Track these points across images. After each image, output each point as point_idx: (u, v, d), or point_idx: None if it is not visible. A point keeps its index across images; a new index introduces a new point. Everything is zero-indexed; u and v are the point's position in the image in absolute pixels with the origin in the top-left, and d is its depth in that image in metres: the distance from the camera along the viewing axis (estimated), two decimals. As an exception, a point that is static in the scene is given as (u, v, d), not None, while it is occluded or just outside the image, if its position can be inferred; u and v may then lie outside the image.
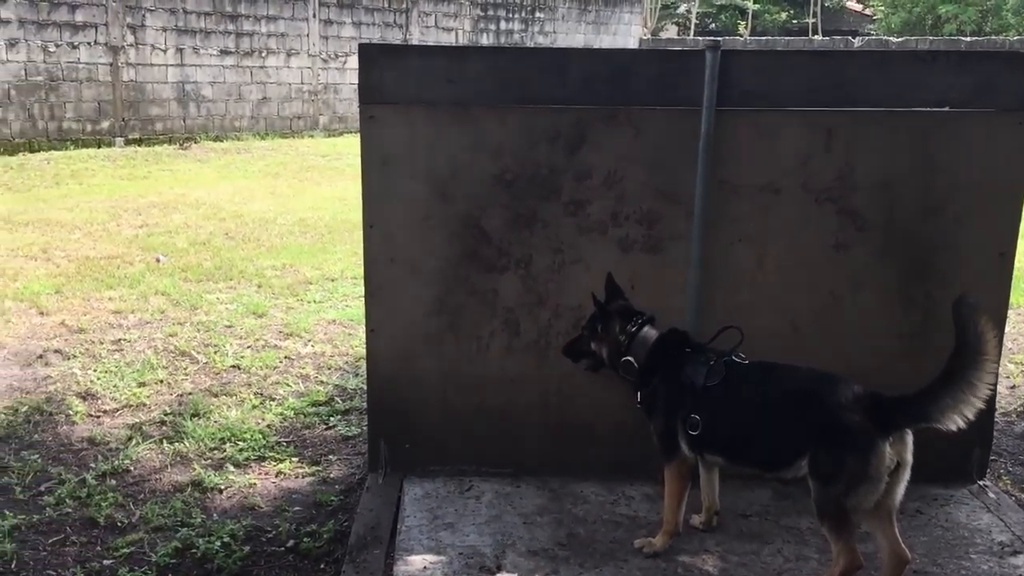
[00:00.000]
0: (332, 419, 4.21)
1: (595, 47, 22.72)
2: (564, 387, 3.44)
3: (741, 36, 30.14)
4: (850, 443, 2.58)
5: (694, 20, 34.21)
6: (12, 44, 12.76)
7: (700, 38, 28.08)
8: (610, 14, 23.86)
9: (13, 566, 2.98)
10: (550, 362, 3.39)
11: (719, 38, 26.25)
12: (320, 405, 4.35)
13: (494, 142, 3.34)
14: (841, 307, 3.40)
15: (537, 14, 21.82)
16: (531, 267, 3.39)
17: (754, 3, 33.58)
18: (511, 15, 21.25)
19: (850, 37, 23.31)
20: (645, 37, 26.13)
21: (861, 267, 3.37)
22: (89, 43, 13.67)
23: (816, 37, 26.84)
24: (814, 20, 31.30)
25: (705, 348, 2.96)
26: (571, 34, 22.65)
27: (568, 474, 3.46)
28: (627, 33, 24.24)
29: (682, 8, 35.59)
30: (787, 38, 27.25)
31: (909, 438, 2.61)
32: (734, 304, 3.34)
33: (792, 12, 35.88)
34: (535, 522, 3.15)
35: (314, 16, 16.92)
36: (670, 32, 36.37)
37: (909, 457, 2.61)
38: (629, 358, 3.01)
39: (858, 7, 36.55)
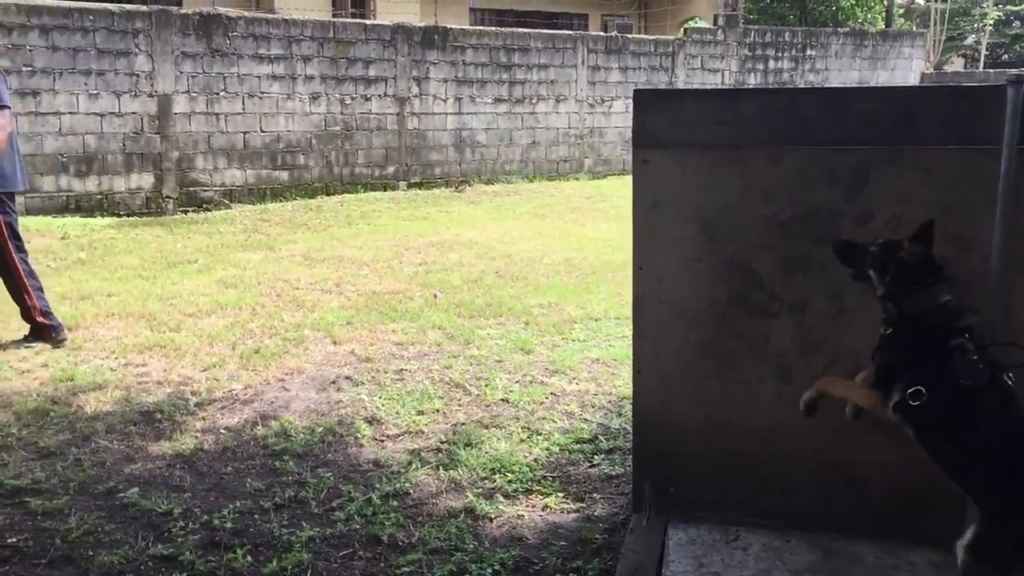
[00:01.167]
0: (596, 457, 4.27)
1: (871, 84, 21.65)
2: (839, 439, 3.27)
3: (1040, 65, 27.49)
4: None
5: (984, 52, 31.69)
6: (315, 98, 14.20)
7: (991, 70, 25.94)
8: (888, 49, 22.65)
9: (308, 575, 3.28)
10: (825, 412, 3.25)
11: (1015, 70, 24.12)
12: (584, 442, 4.44)
13: (767, 184, 3.28)
14: None
15: (808, 52, 21.15)
16: (806, 312, 3.28)
17: (1056, 29, 30.57)
18: (780, 54, 20.75)
19: None
20: (928, 72, 24.54)
21: None
22: (380, 95, 14.93)
23: None
24: None
25: (984, 344, 2.70)
26: (844, 71, 21.73)
27: (841, 532, 3.29)
28: (907, 68, 22.87)
29: (970, 39, 33.10)
30: (1097, 65, 24.51)
31: None
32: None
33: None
34: (806, 579, 3.02)
35: (583, 63, 17.45)
36: (956, 65, 33.93)
37: None
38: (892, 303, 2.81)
39: None
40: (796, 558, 3.15)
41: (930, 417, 2.67)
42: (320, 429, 4.62)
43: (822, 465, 3.34)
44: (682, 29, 19.68)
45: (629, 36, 18.72)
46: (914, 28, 28.17)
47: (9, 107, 5.79)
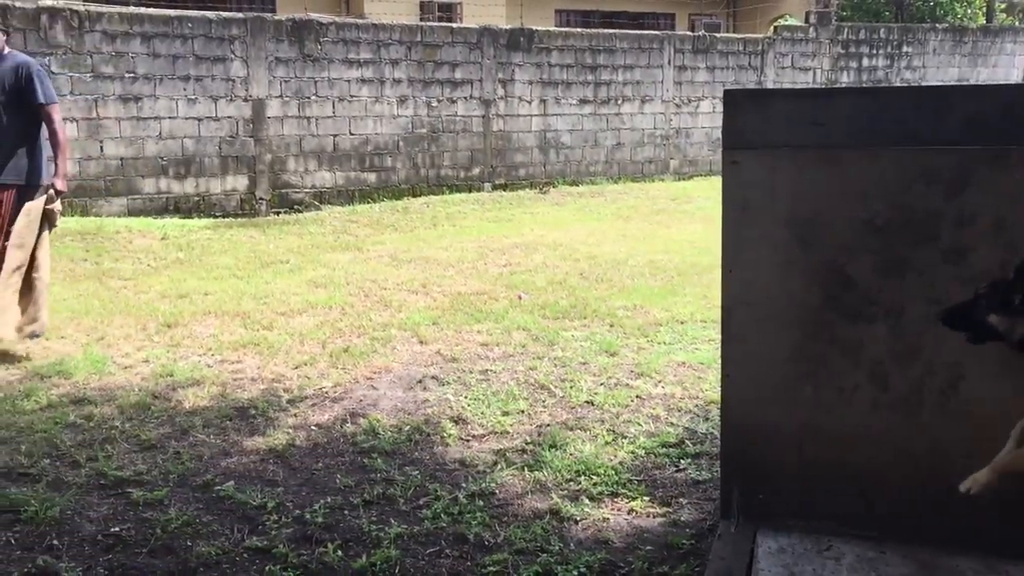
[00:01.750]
0: (682, 461, 4.23)
1: (970, 82, 20.89)
2: (937, 449, 3.18)
3: None
4: None
5: (1094, 44, 30.21)
6: (402, 101, 14.40)
7: (1102, 63, 24.74)
8: (989, 45, 21.81)
9: (397, 571, 3.33)
10: (922, 421, 3.16)
11: None
12: (671, 447, 4.40)
13: (862, 185, 3.20)
14: None
15: (904, 49, 20.52)
16: (902, 318, 3.19)
17: None
18: (874, 51, 20.19)
19: None
20: (1032, 66, 23.53)
21: None
22: (466, 98, 15.06)
23: None
24: None
25: None
26: (943, 68, 21.01)
27: (939, 545, 3.18)
28: (1009, 65, 21.98)
29: (1079, 31, 31.59)
30: None
31: None
32: None
33: None
34: (901, 592, 2.94)
35: (669, 63, 17.28)
36: (1063, 59, 32.42)
37: None
38: None
39: None
40: (891, 570, 3.06)
41: None
42: (407, 428, 4.69)
43: (919, 474, 3.24)
44: (772, 27, 19.31)
45: (717, 35, 18.45)
46: (1016, 23, 27.06)
47: (56, 101, 6.04)
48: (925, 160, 3.12)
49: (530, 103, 15.74)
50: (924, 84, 19.48)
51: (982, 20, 25.90)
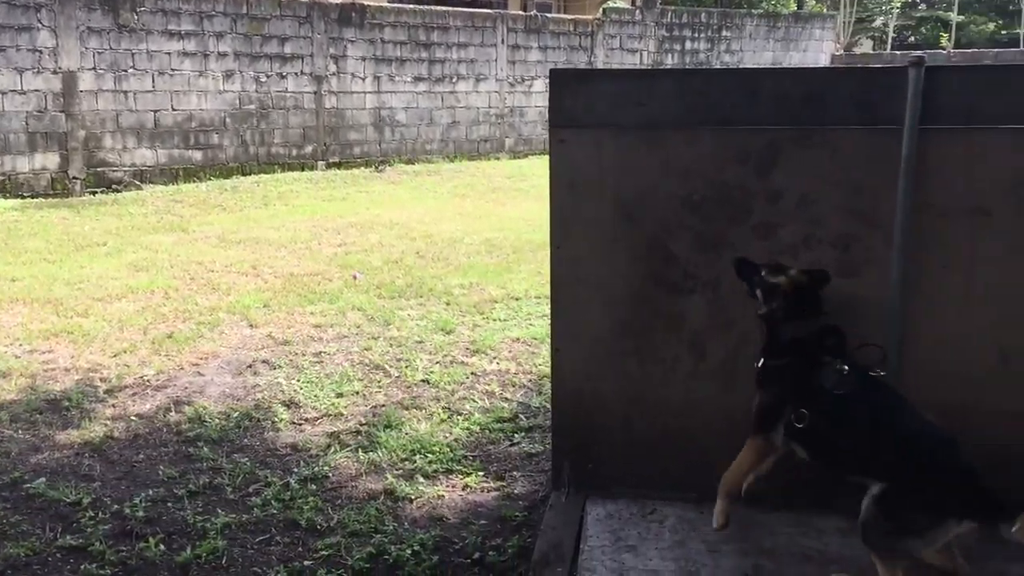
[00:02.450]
0: (516, 436, 4.30)
1: (784, 65, 22.09)
2: (751, 413, 3.35)
3: (944, 49, 28.46)
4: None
5: (891, 34, 32.65)
6: (228, 75, 13.83)
7: (897, 52, 26.77)
8: (800, 30, 23.17)
9: (224, 561, 3.22)
10: (737, 387, 3.33)
11: (921, 52, 24.93)
12: (505, 422, 4.46)
13: (682, 164, 3.32)
14: (1060, 339, 3.15)
15: (724, 33, 21.49)
16: (719, 290, 3.34)
17: (959, 14, 31.63)
18: (696, 35, 21.04)
19: (1070, 46, 21.50)
20: (838, 53, 25.19)
21: (1084, 296, 3.11)
22: (296, 73, 14.64)
23: (1030, 47, 24.95)
24: (1027, 29, 29.15)
25: (849, 354, 2.89)
26: (759, 52, 22.15)
27: (754, 503, 3.36)
28: (818, 49, 23.44)
29: (878, 22, 34.07)
30: (996, 50, 25.49)
31: None
32: (937, 334, 3.18)
33: (1001, 22, 33.53)
34: (720, 551, 3.09)
35: (502, 42, 17.39)
36: (865, 47, 34.86)
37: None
38: (770, 322, 3.00)
39: (1079, 13, 33.73)
40: (710, 529, 3.21)
41: (819, 431, 2.83)
42: (236, 414, 4.53)
43: (737, 438, 3.40)
44: (601, 9, 19.76)
45: (549, 16, 18.74)
46: (824, 11, 28.82)
47: None
48: (739, 140, 3.27)
49: (364, 80, 15.49)
50: (741, 67, 20.45)
51: (794, 7, 27.42)
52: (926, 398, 2.88)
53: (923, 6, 35.23)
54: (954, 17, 31.44)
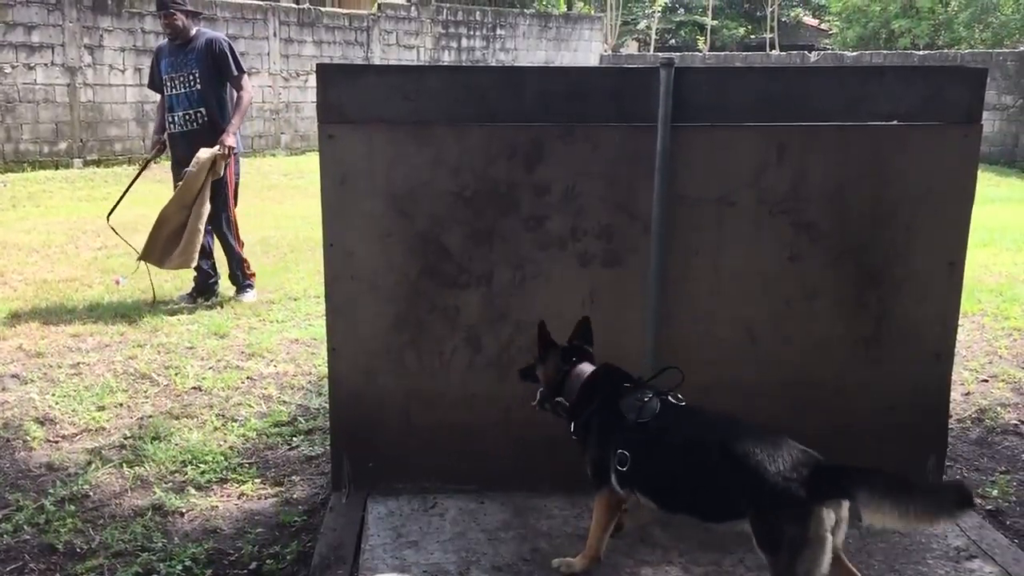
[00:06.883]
0: (295, 439, 4.18)
1: (556, 64, 22.86)
2: (527, 402, 3.44)
3: (700, 51, 30.51)
4: (787, 512, 2.43)
5: (654, 36, 34.61)
6: (-34, 66, 12.59)
7: (660, 54, 28.37)
8: (570, 31, 24.06)
9: (-31, 596, 2.94)
10: (512, 378, 3.40)
11: (679, 53, 26.59)
12: (283, 425, 4.33)
13: (453, 159, 3.36)
14: (796, 316, 3.45)
15: (498, 31, 21.94)
16: (492, 283, 3.41)
17: (712, 19, 33.99)
18: (472, 32, 21.35)
19: (806, 52, 23.65)
20: (606, 53, 26.37)
21: (815, 276, 3.43)
22: (46, 64, 13.53)
23: (774, 52, 27.22)
24: (771, 35, 31.78)
25: (643, 384, 2.90)
26: (532, 51, 22.79)
27: (532, 489, 3.47)
28: (588, 50, 24.44)
29: (642, 24, 36.00)
30: (745, 53, 27.61)
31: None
32: (692, 315, 3.40)
33: (750, 27, 36.41)
34: (499, 538, 3.16)
35: (274, 35, 16.89)
36: (631, 48, 36.75)
37: (845, 513, 2.49)
38: (561, 399, 2.98)
39: (814, 22, 37.20)
40: (489, 518, 3.28)
41: (644, 469, 2.74)
42: (-19, 435, 4.13)
43: (513, 428, 3.49)
44: (376, 4, 19.62)
45: (323, 9, 18.39)
46: (592, 12, 30.07)
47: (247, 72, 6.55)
48: (507, 135, 3.34)
49: (124, 72, 14.56)
50: (513, 65, 20.98)
51: (563, 7, 28.42)
52: (685, 379, 3.05)
53: (682, 11, 37.51)
54: (709, 22, 33.71)
